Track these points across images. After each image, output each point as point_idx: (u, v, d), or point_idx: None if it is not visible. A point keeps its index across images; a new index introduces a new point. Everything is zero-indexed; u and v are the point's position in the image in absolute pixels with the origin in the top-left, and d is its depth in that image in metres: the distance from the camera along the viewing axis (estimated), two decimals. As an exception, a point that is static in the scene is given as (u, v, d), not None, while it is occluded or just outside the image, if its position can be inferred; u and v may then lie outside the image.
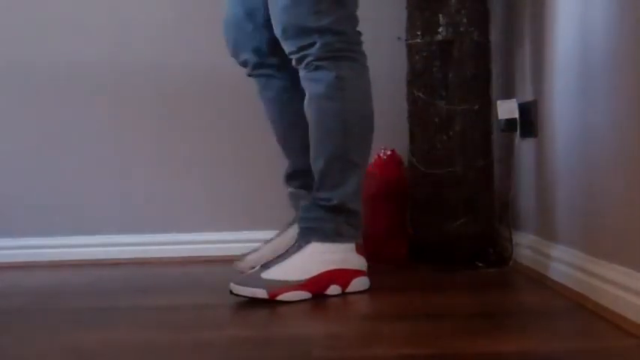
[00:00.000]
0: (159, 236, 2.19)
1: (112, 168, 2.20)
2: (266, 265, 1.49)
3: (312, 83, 1.55)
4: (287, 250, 1.53)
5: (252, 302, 1.44)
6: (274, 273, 1.46)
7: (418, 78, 1.88)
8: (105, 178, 2.19)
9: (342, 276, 1.52)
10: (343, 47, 1.54)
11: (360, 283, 1.55)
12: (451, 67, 1.83)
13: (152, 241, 2.18)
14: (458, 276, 1.71)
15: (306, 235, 1.53)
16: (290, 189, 1.79)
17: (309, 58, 1.53)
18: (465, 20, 1.83)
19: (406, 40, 1.92)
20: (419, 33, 1.87)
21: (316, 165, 1.56)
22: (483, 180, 1.86)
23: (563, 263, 1.47)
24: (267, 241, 1.79)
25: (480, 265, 1.80)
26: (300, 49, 1.54)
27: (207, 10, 2.18)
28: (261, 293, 1.43)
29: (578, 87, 1.42)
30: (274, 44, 1.62)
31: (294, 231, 1.62)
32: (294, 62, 1.57)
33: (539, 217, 1.69)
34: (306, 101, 1.57)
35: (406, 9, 1.92)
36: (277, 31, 1.56)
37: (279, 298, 1.43)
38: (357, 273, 1.55)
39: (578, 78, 1.42)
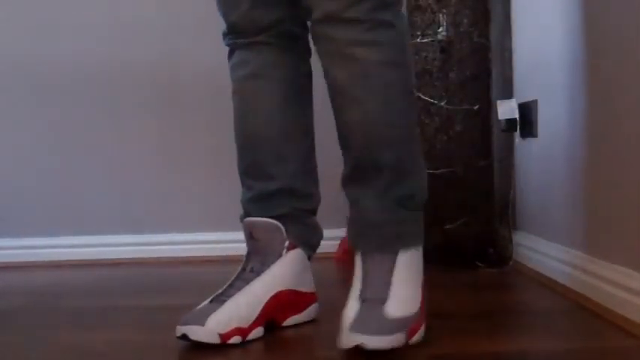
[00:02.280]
0: (159, 236, 2.19)
1: (112, 168, 2.20)
2: (368, 298, 1.10)
3: (370, 48, 1.11)
4: (370, 270, 1.14)
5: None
6: (398, 307, 1.09)
7: (418, 78, 1.88)
8: (105, 178, 2.19)
9: (424, 290, 1.20)
10: None
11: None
12: (451, 67, 1.84)
13: (152, 241, 2.18)
14: (458, 276, 1.71)
15: (390, 244, 1.15)
16: (260, 218, 1.27)
17: (371, 4, 1.09)
18: (465, 20, 1.83)
19: (406, 40, 1.92)
20: (419, 33, 1.87)
21: (384, 156, 1.14)
22: (483, 180, 1.86)
23: (563, 263, 1.47)
24: (215, 299, 1.24)
25: (480, 265, 1.80)
26: None
27: (208, 9, 2.18)
28: (399, 341, 1.06)
29: (578, 87, 1.42)
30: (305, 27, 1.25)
31: (263, 287, 1.22)
32: (336, 5, 1.09)
33: (539, 217, 1.69)
34: (353, 74, 1.13)
35: (406, 9, 1.92)
36: None
37: (413, 340, 1.10)
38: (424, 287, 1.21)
39: (578, 78, 1.42)
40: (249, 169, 1.31)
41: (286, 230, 1.25)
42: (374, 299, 1.09)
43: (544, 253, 1.60)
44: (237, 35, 1.29)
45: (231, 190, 2.23)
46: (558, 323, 1.25)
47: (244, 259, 1.26)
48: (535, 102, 1.70)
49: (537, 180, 1.70)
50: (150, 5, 2.20)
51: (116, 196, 2.20)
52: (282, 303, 1.23)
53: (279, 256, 1.24)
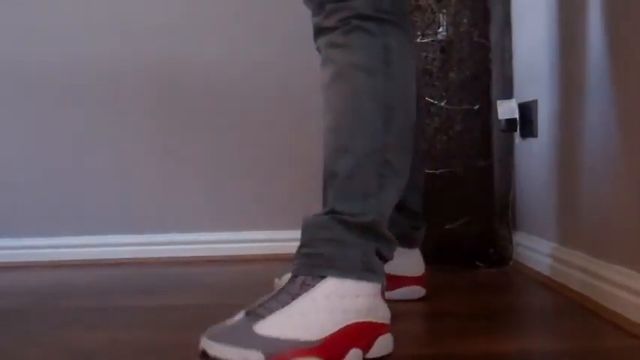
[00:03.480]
0: (159, 236, 2.19)
1: (112, 168, 2.20)
2: (257, 311, 1.00)
3: (344, 50, 1.09)
4: (284, 288, 1.03)
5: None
6: (273, 327, 0.97)
7: (418, 78, 1.88)
8: (105, 178, 2.19)
9: (365, 333, 1.03)
10: (392, 9, 1.11)
11: (385, 343, 1.06)
12: (451, 67, 1.84)
13: (152, 241, 2.18)
14: (458, 276, 1.71)
15: (317, 267, 1.02)
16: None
17: (346, 13, 1.09)
18: (465, 20, 1.83)
19: (406, 40, 1.92)
20: (419, 33, 1.87)
21: (339, 163, 1.07)
22: (483, 180, 1.86)
23: (563, 263, 1.47)
24: None
25: (480, 265, 1.80)
26: (318, 11, 1.12)
27: (209, 9, 2.18)
28: (255, 357, 0.93)
29: (578, 87, 1.42)
30: None
31: None
32: (318, 18, 1.13)
33: (539, 217, 1.69)
34: (326, 77, 1.11)
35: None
36: None
37: None
38: (382, 328, 1.06)
39: (578, 78, 1.42)
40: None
41: None
42: (259, 313, 1.00)
43: (544, 253, 1.60)
44: None
45: (231, 190, 2.24)
46: (558, 323, 1.25)
47: None
48: (535, 102, 1.70)
49: (537, 180, 1.70)
50: (151, 5, 2.20)
51: (116, 196, 2.20)
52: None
53: None
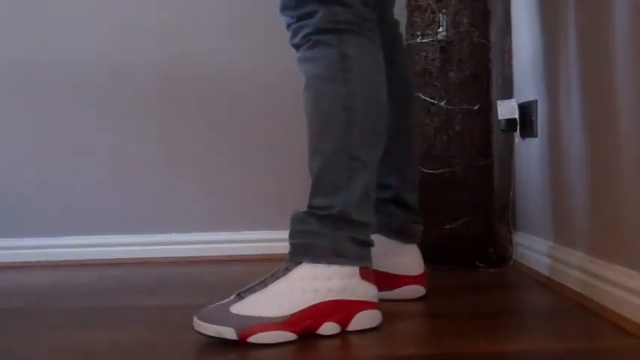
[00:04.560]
0: (159, 236, 2.19)
1: (112, 168, 2.20)
2: (242, 294, 1.18)
3: (309, 64, 1.26)
4: (272, 274, 1.20)
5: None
6: (247, 306, 1.15)
7: (418, 78, 1.88)
8: (105, 178, 2.19)
9: (340, 309, 1.19)
10: (349, 19, 1.24)
11: (366, 318, 1.21)
12: (451, 67, 1.84)
13: (152, 241, 2.18)
14: (458, 276, 1.71)
15: (296, 255, 1.21)
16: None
17: (307, 30, 1.25)
18: (465, 20, 1.83)
19: (406, 40, 1.92)
20: (419, 33, 1.87)
21: (313, 164, 1.24)
22: (483, 180, 1.86)
23: (563, 263, 1.47)
24: None
25: (480, 265, 1.80)
26: (299, 18, 1.26)
27: (208, 9, 2.18)
28: (228, 333, 1.13)
29: (578, 87, 1.42)
30: None
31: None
32: (290, 39, 1.30)
33: (539, 217, 1.69)
34: (303, 86, 1.28)
35: (406, 9, 1.92)
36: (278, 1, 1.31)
37: (250, 340, 1.13)
38: (362, 305, 1.21)
39: (578, 78, 1.42)
40: None
41: None
42: (242, 296, 1.18)
43: (544, 252, 1.60)
44: None
45: (231, 190, 2.24)
46: (558, 323, 1.25)
47: None
48: (535, 102, 1.70)
49: (537, 180, 1.70)
50: (151, 5, 2.20)
51: (116, 196, 2.20)
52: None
53: None
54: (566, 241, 1.50)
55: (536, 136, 1.70)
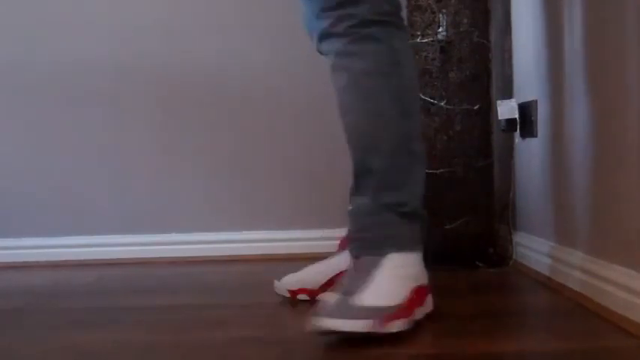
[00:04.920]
0: (159, 236, 2.19)
1: (112, 168, 2.20)
2: (348, 291, 1.16)
3: (354, 59, 1.22)
4: (356, 269, 1.21)
5: (253, 302, 1.43)
6: (369, 297, 1.15)
7: (418, 78, 1.88)
8: (105, 178, 2.20)
9: (420, 295, 1.24)
10: (391, 10, 1.24)
11: (429, 302, 1.29)
12: (451, 67, 1.84)
13: (152, 241, 2.18)
14: (458, 276, 1.71)
15: (378, 247, 1.22)
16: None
17: (352, 22, 1.21)
18: (465, 20, 1.83)
19: (406, 40, 1.92)
20: (419, 33, 1.87)
21: (373, 162, 1.23)
22: (483, 180, 1.86)
23: (564, 263, 1.47)
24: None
25: (480, 265, 1.80)
26: (341, 5, 1.20)
27: (208, 9, 2.18)
28: (366, 326, 1.11)
29: (578, 87, 1.42)
30: None
31: (338, 260, 1.43)
32: (325, 24, 1.23)
33: (539, 217, 1.69)
34: (341, 83, 1.25)
35: (406, 9, 1.92)
36: None
37: (385, 329, 1.13)
38: (427, 289, 1.28)
39: (578, 78, 1.42)
40: None
41: None
42: (351, 291, 1.15)
43: (544, 253, 1.60)
44: None
45: (231, 190, 2.24)
46: (558, 323, 1.25)
47: None
48: (535, 102, 1.70)
49: (537, 180, 1.70)
50: (150, 5, 2.20)
51: (116, 196, 2.20)
52: None
53: None
54: (567, 241, 1.50)
55: (536, 136, 1.70)
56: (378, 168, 1.23)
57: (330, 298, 1.15)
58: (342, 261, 1.40)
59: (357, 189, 1.27)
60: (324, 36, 1.25)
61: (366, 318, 1.11)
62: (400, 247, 1.22)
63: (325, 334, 1.10)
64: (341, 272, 1.40)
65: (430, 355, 1.07)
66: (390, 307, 1.15)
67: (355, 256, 1.23)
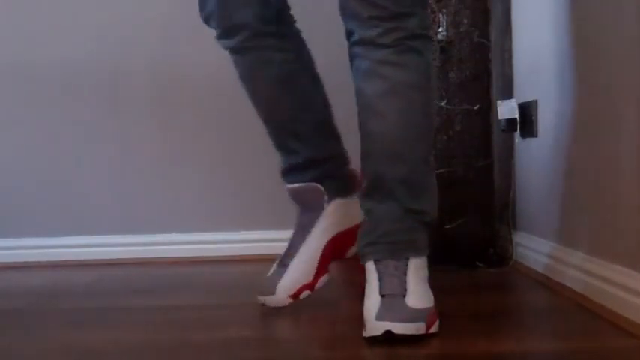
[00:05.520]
0: (159, 236, 2.19)
1: (112, 168, 2.20)
2: (390, 294, 1.19)
3: (396, 69, 1.23)
4: (385, 271, 1.24)
5: (253, 303, 1.43)
6: (417, 300, 1.19)
7: (418, 78, 1.88)
8: (105, 178, 2.20)
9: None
10: (430, 25, 1.34)
11: None
12: (451, 67, 1.84)
13: (152, 241, 2.18)
14: (458, 276, 1.71)
15: (403, 251, 1.25)
16: (297, 184, 1.44)
17: (402, 34, 1.21)
18: (465, 20, 1.83)
19: (406, 40, 1.92)
20: (419, 33, 1.87)
21: (400, 170, 1.25)
22: (483, 180, 1.86)
23: (563, 263, 1.47)
24: (279, 263, 1.45)
25: (480, 265, 1.80)
26: (395, 18, 1.20)
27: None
28: (422, 327, 1.15)
29: (578, 87, 1.42)
30: (283, 7, 1.38)
31: (316, 241, 1.44)
32: (372, 33, 1.21)
33: (539, 217, 1.69)
34: (377, 89, 1.24)
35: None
36: None
37: (431, 330, 1.18)
38: None
39: (578, 78, 1.42)
40: (278, 147, 1.47)
41: (324, 186, 1.43)
42: (393, 294, 1.17)
43: (544, 253, 1.60)
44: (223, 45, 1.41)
45: (231, 190, 2.24)
46: (558, 323, 1.26)
47: (297, 219, 1.45)
48: (535, 102, 1.70)
49: (537, 180, 1.70)
50: (150, 5, 2.20)
51: (116, 196, 2.20)
52: (337, 245, 1.45)
53: (322, 210, 1.44)
54: (567, 241, 1.49)
55: (536, 136, 1.70)
56: (406, 177, 1.25)
57: (372, 301, 1.18)
58: (316, 241, 1.44)
59: (373, 194, 1.28)
60: (366, 42, 1.23)
61: (417, 321, 1.14)
62: (419, 251, 1.27)
63: (374, 337, 1.12)
64: (324, 254, 1.43)
65: (430, 355, 1.07)
66: (429, 309, 1.19)
67: (376, 259, 1.24)
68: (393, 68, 1.23)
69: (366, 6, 1.20)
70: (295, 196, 1.45)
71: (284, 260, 1.42)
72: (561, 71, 1.52)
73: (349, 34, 1.26)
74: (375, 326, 1.12)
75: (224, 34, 1.39)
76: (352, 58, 1.27)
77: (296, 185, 1.44)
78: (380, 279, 1.21)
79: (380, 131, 1.25)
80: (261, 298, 1.39)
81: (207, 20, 1.42)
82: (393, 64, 1.22)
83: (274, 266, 1.42)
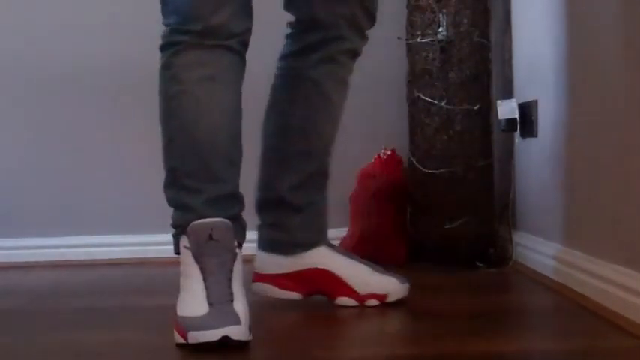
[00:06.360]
0: (159, 236, 2.18)
1: (112, 168, 2.20)
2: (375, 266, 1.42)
3: (346, 70, 1.42)
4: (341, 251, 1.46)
5: (253, 302, 1.42)
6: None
7: (418, 78, 1.88)
8: (105, 178, 2.19)
9: None
10: None
11: None
12: (451, 67, 1.83)
13: (152, 241, 2.17)
14: (458, 276, 1.71)
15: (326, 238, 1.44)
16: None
17: (361, 46, 1.42)
18: (465, 20, 1.83)
19: (406, 40, 1.92)
20: (419, 33, 1.87)
21: (327, 159, 1.44)
22: (483, 180, 1.86)
23: (563, 263, 1.47)
24: None
25: (480, 265, 1.80)
26: (364, 36, 1.41)
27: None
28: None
29: (578, 87, 1.42)
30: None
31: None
32: (360, 42, 1.41)
33: (539, 217, 1.69)
34: (343, 97, 1.43)
35: (406, 9, 1.92)
36: (371, 10, 1.40)
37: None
38: None
39: (578, 78, 1.42)
40: (199, 172, 1.29)
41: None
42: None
43: (544, 253, 1.60)
44: (204, 37, 1.27)
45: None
46: (558, 323, 1.26)
47: (191, 261, 1.28)
48: (535, 102, 1.70)
49: (537, 180, 1.70)
50: (150, 5, 2.19)
51: (116, 196, 2.20)
52: None
53: (234, 254, 1.25)
54: (567, 241, 1.49)
55: (536, 136, 1.70)
56: (327, 169, 1.43)
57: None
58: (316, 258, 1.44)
59: (318, 189, 1.43)
60: (352, 52, 1.40)
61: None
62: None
63: None
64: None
65: (430, 355, 1.07)
66: None
67: (328, 245, 1.41)
68: (350, 77, 1.42)
69: (368, 20, 1.39)
70: (214, 232, 1.29)
71: (223, 299, 1.35)
72: (561, 71, 1.52)
73: (326, 41, 1.37)
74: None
75: (222, 34, 1.31)
76: (331, 63, 1.38)
77: (219, 220, 1.28)
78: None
79: (330, 133, 1.42)
80: (221, 331, 1.12)
81: (209, 20, 1.27)
82: (347, 67, 1.41)
83: (205, 309, 1.23)
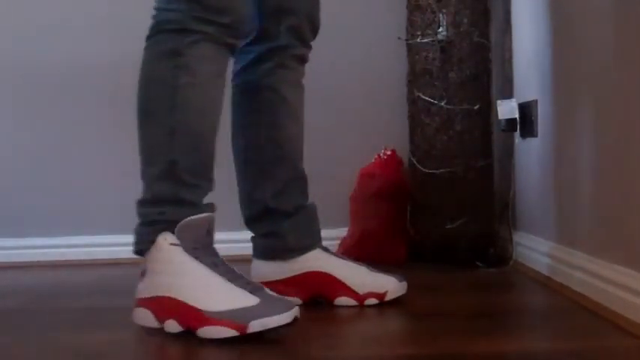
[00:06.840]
0: (159, 236, 2.18)
1: (112, 168, 2.20)
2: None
3: (298, 74, 1.50)
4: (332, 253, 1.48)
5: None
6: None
7: (418, 78, 1.88)
8: (105, 178, 2.19)
9: None
10: None
11: None
12: (451, 67, 1.84)
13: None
14: (458, 276, 1.71)
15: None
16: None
17: (307, 53, 1.49)
18: (465, 20, 1.83)
19: (406, 40, 1.92)
20: (419, 33, 1.87)
21: (300, 163, 1.50)
22: (483, 180, 1.86)
23: (564, 263, 1.47)
24: None
25: (480, 265, 1.80)
26: (308, 45, 1.49)
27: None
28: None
29: (578, 87, 1.42)
30: None
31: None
32: (306, 50, 1.49)
33: (539, 217, 1.69)
34: (300, 99, 1.50)
35: (406, 9, 1.92)
36: (316, 24, 1.48)
37: None
38: None
39: (577, 78, 1.42)
40: (199, 168, 1.32)
41: None
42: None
43: (544, 252, 1.60)
44: (227, 31, 1.28)
45: (231, 189, 2.23)
46: (558, 323, 1.26)
47: (186, 258, 1.27)
48: (535, 102, 1.70)
49: (537, 180, 1.70)
50: (148, 5, 2.19)
51: (116, 196, 2.19)
52: None
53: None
54: (567, 241, 1.50)
55: (536, 136, 1.70)
56: (304, 176, 1.49)
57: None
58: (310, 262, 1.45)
59: (303, 192, 1.49)
60: (300, 58, 1.47)
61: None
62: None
63: None
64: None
65: (430, 355, 1.07)
66: None
67: (322, 248, 1.44)
68: (302, 81, 1.49)
69: (311, 32, 1.47)
70: (213, 227, 1.45)
71: (250, 286, 1.44)
72: (561, 71, 1.52)
73: (273, 50, 1.43)
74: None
75: (242, 34, 1.37)
76: (287, 68, 1.45)
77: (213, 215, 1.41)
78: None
79: (297, 133, 1.48)
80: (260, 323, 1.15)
81: (237, 15, 1.29)
82: (301, 73, 1.49)
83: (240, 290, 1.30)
